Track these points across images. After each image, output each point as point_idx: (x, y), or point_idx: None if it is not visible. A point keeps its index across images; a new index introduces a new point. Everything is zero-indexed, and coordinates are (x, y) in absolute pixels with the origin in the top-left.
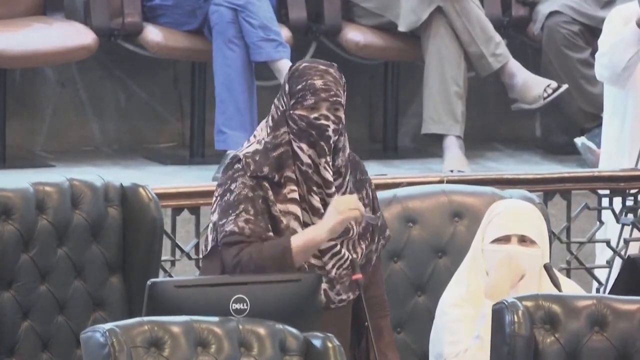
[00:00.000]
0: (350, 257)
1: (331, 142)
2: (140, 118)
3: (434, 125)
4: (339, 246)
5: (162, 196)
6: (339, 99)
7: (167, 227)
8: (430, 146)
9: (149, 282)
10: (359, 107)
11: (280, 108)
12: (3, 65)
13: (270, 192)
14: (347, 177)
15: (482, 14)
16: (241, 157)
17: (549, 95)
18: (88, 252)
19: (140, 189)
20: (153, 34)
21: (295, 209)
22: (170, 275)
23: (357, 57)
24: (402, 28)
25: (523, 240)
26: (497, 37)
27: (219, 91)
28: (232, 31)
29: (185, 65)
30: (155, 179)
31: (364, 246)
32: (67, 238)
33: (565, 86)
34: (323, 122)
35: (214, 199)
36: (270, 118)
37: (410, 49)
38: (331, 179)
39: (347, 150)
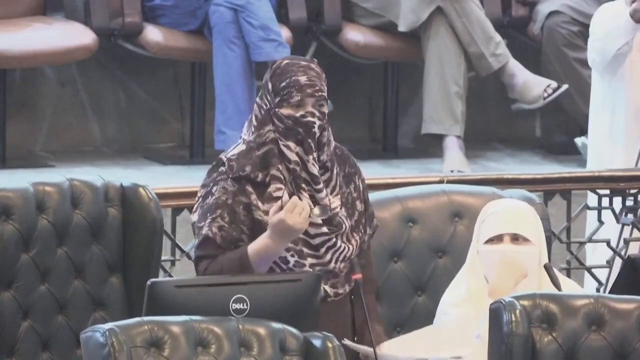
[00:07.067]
0: (346, 248)
1: (316, 138)
2: (140, 118)
3: (434, 125)
4: (334, 239)
5: (162, 196)
6: (324, 94)
7: (167, 227)
8: (430, 146)
9: (149, 282)
10: (359, 107)
11: (264, 107)
12: (3, 65)
13: (253, 196)
14: (335, 171)
15: (482, 14)
16: (224, 160)
17: (549, 95)
18: (88, 252)
19: (140, 189)
20: (153, 34)
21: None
22: (170, 275)
23: (357, 57)
24: (402, 28)
25: (515, 238)
26: (497, 37)
27: (219, 91)
28: (232, 31)
29: (185, 65)
30: (155, 179)
31: (357, 238)
32: (67, 238)
33: (565, 86)
34: (309, 119)
35: (197, 198)
36: (253, 117)
37: (410, 49)
38: (318, 174)
39: (332, 144)
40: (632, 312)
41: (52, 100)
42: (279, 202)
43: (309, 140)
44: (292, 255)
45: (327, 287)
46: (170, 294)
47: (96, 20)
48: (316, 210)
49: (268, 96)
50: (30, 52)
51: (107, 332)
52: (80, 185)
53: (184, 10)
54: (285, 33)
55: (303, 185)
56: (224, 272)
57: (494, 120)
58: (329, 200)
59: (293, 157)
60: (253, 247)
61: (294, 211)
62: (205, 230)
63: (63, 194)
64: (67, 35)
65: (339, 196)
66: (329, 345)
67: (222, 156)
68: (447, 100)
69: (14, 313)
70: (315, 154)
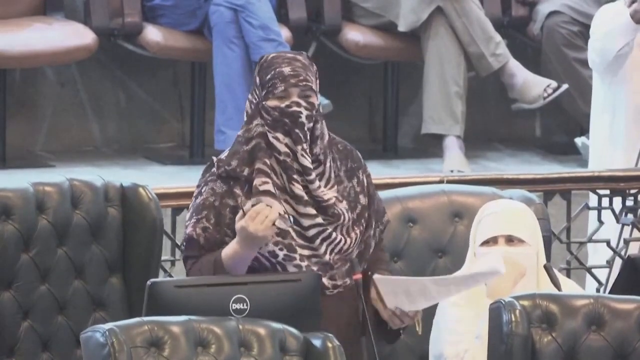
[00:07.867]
0: (343, 240)
1: (305, 128)
2: (140, 118)
3: (434, 125)
4: (329, 229)
5: (162, 196)
6: (309, 84)
7: (167, 227)
8: (430, 146)
9: (149, 282)
10: (359, 107)
11: (253, 101)
12: (3, 65)
13: (241, 198)
14: (328, 164)
15: (482, 14)
16: (215, 161)
17: (549, 95)
18: (88, 252)
19: (140, 189)
20: (153, 34)
21: (268, 200)
22: (170, 275)
23: (357, 57)
24: (402, 28)
25: (510, 240)
26: (497, 37)
27: (219, 91)
28: (232, 31)
29: (185, 65)
30: (155, 179)
31: (358, 232)
32: (67, 238)
33: (565, 86)
34: (295, 109)
35: (192, 198)
36: (244, 114)
37: (410, 49)
38: (310, 165)
39: (326, 138)
40: (632, 312)
41: (52, 100)
42: (242, 210)
43: (297, 131)
44: (281, 249)
45: (325, 280)
46: (170, 294)
47: (96, 20)
48: (277, 222)
49: (256, 90)
50: (30, 52)
51: (107, 332)
52: (80, 185)
53: (184, 10)
54: (285, 33)
55: (295, 177)
56: (203, 274)
57: (494, 120)
58: (323, 192)
59: (282, 148)
60: (226, 252)
61: (256, 219)
62: (189, 230)
63: (63, 194)
64: (67, 35)
65: (335, 188)
66: (329, 345)
67: (214, 158)
68: (447, 100)
69: (14, 313)
70: (305, 145)
